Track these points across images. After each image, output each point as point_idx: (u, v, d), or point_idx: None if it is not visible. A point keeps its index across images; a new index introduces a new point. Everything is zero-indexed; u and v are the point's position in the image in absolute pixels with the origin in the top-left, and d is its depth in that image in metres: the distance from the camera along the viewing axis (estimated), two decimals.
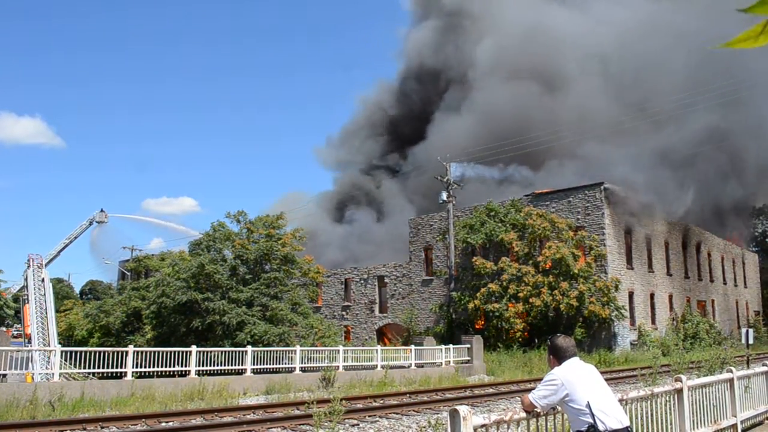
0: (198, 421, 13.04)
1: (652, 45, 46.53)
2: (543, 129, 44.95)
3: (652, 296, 39.05)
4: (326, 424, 10.38)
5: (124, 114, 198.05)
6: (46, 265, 45.74)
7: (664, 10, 50.02)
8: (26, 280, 43.18)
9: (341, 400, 10.83)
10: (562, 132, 44.87)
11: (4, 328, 54.12)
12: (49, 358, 24.91)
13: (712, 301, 47.19)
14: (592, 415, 4.11)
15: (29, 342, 38.12)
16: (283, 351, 23.45)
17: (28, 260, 43.64)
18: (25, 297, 42.92)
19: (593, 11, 53.93)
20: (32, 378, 21.40)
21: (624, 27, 48.94)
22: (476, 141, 46.39)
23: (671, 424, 7.26)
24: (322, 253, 48.22)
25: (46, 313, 39.01)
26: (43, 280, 41.45)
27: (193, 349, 20.06)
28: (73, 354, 21.39)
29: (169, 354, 19.64)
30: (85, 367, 18.72)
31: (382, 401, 16.26)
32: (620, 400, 5.41)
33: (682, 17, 46.14)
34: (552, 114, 48.43)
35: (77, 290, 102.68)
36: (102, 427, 12.18)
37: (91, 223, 67.69)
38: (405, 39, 74.10)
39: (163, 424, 12.78)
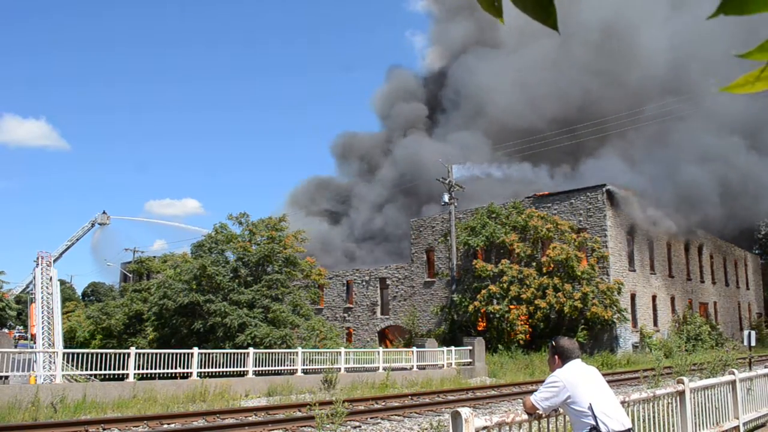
0: (200, 423, 13.06)
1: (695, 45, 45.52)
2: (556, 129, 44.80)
3: (654, 298, 38.97)
4: (328, 426, 10.39)
5: (128, 115, 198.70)
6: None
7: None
8: (34, 278, 42.93)
9: (343, 402, 10.85)
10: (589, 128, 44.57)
11: (6, 330, 54.21)
12: (51, 359, 24.90)
13: (715, 303, 47.10)
14: (595, 417, 4.11)
15: (35, 342, 37.99)
16: (284, 353, 23.45)
17: (37, 258, 43.38)
18: (32, 296, 42.76)
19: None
20: (35, 380, 21.41)
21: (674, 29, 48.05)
22: (492, 141, 46.45)
23: (673, 426, 7.25)
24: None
25: (53, 312, 38.83)
26: (51, 279, 41.17)
27: (195, 351, 20.07)
28: (76, 356, 21.41)
29: (171, 356, 19.67)
30: (87, 369, 18.75)
31: (383, 403, 16.26)
32: (622, 402, 5.41)
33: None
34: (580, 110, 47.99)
35: (79, 292, 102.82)
36: (104, 429, 12.19)
37: (93, 225, 67.82)
38: (427, 36, 73.58)
39: (165, 426, 12.79)
